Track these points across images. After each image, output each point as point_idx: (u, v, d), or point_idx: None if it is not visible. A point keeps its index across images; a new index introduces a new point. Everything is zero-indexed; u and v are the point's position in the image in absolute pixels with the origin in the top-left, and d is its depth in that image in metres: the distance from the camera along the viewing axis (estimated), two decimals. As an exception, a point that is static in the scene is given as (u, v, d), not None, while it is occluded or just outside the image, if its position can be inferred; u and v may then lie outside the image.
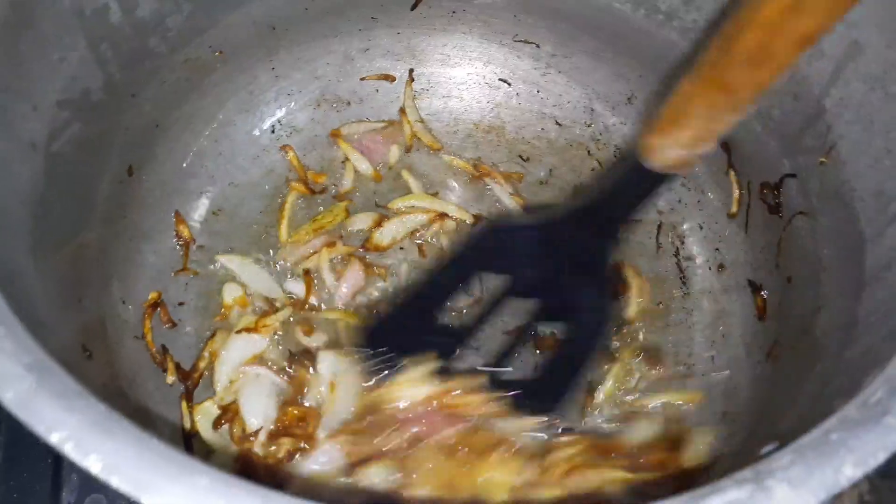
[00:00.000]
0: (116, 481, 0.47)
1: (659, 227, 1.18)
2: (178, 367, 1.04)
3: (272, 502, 0.47)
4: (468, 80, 1.30)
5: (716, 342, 1.09)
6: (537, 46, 1.25)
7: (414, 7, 1.22)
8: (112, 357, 0.95)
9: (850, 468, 0.48)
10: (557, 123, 1.27)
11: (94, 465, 0.48)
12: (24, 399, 0.50)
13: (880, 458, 0.49)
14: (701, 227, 1.16)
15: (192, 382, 1.03)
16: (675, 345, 1.11)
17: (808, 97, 0.90)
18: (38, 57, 0.84)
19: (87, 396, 0.51)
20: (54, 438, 0.49)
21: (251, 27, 1.15)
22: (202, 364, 1.04)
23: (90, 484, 0.95)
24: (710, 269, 1.13)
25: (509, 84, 1.29)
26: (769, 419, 0.91)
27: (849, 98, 0.84)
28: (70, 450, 0.48)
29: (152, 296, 1.07)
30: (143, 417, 0.93)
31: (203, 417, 1.00)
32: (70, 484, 0.99)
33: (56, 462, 0.97)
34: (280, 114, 1.25)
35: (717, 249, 1.13)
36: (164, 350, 1.04)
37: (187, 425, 0.99)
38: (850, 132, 0.84)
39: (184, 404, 1.01)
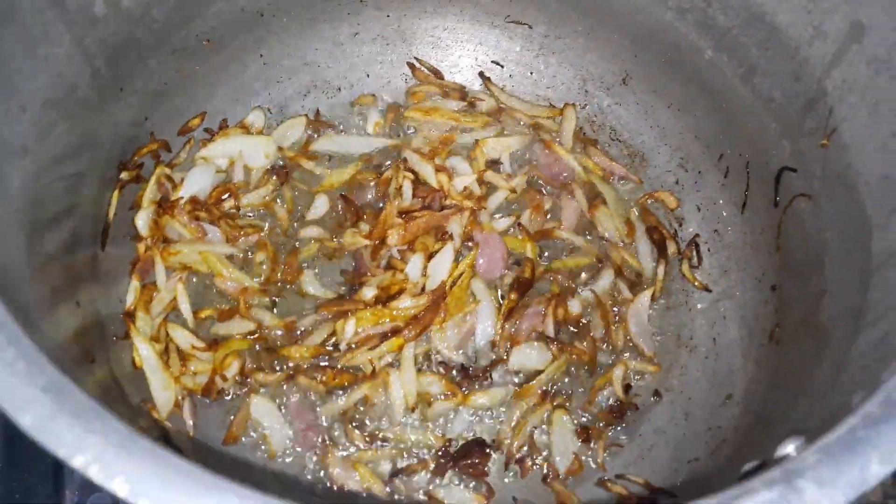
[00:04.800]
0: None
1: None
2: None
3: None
4: (460, 62, 1.28)
5: (716, 324, 1.09)
6: (529, 27, 1.23)
7: (403, -11, 1.20)
8: (111, 357, 0.94)
9: (877, 465, 0.48)
10: (551, 105, 1.25)
11: (120, 487, 0.47)
12: (43, 423, 0.49)
13: (906, 453, 0.49)
14: (699, 209, 1.15)
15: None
16: (677, 327, 1.11)
17: (810, 79, 0.89)
18: (23, 54, 0.81)
19: (104, 415, 0.50)
20: (78, 462, 0.48)
21: (238, 14, 1.12)
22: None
23: (93, 483, 0.95)
24: (708, 250, 1.13)
25: (502, 66, 1.27)
26: (779, 405, 0.90)
27: (853, 80, 0.84)
28: (95, 473, 0.47)
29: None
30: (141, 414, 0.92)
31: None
32: (73, 484, 0.99)
33: (57, 461, 0.96)
34: (270, 102, 1.23)
35: (715, 231, 1.13)
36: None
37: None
38: (854, 115, 0.83)
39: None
